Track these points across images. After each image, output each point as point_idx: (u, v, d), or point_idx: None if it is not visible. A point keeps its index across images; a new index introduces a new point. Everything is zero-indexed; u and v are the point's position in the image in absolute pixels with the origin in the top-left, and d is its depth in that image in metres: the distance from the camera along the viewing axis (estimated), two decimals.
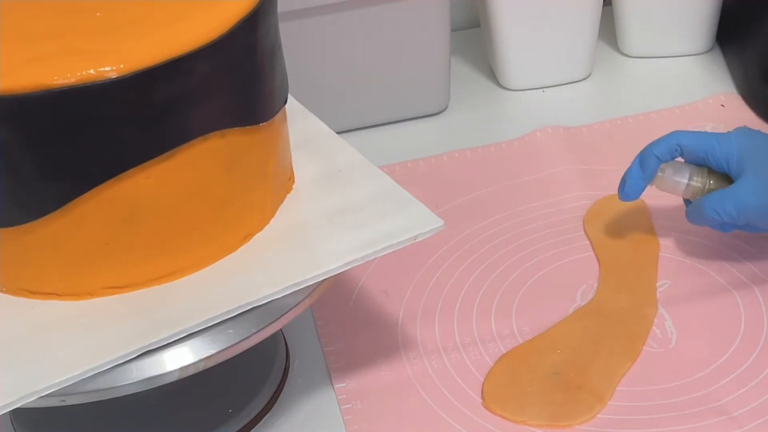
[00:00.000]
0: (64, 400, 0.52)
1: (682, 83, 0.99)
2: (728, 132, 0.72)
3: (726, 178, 0.71)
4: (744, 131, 0.72)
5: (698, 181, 0.72)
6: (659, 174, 0.72)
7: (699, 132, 0.72)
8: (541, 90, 1.01)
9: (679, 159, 0.73)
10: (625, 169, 0.73)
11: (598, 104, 0.99)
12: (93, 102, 0.50)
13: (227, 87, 0.55)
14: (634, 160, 0.73)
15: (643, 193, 0.82)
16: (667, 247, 0.77)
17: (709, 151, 0.71)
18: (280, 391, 0.69)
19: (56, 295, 0.56)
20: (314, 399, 0.68)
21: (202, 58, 0.53)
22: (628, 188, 0.73)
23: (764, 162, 0.69)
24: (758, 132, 0.72)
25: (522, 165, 0.89)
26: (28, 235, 0.54)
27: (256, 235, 0.61)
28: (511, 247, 0.79)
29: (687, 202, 0.74)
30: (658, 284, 0.74)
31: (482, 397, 0.66)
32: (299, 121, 0.69)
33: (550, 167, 0.88)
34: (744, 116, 0.92)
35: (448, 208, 0.84)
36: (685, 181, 0.72)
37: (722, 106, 0.94)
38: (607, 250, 0.78)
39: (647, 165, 0.72)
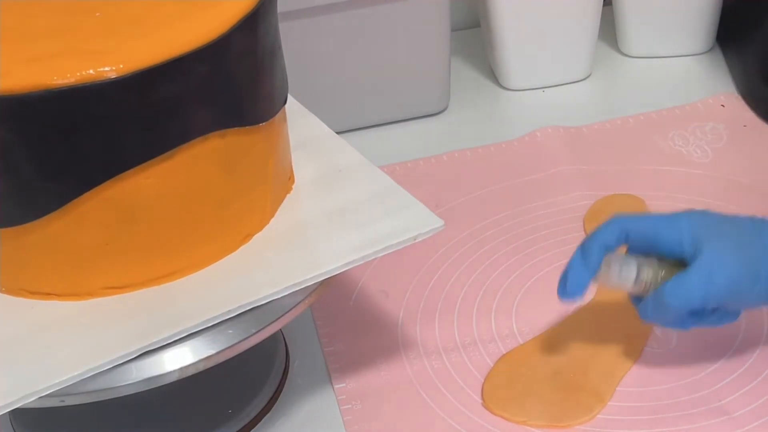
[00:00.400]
0: (63, 401, 0.52)
1: (682, 83, 0.99)
2: (676, 212, 0.63)
3: (680, 265, 0.61)
4: (695, 211, 0.63)
5: (649, 273, 0.62)
6: (604, 269, 0.62)
7: (644, 215, 0.62)
8: (541, 90, 1.00)
9: (622, 249, 0.64)
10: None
11: (598, 104, 0.98)
12: (93, 102, 0.50)
13: (227, 87, 0.55)
14: (575, 252, 0.63)
15: (643, 193, 0.83)
16: None
17: (658, 234, 0.61)
18: (280, 392, 0.68)
19: (56, 295, 0.56)
20: (314, 399, 0.68)
21: (201, 59, 0.53)
22: (571, 285, 0.62)
23: (723, 235, 0.61)
24: (708, 211, 0.64)
25: (522, 165, 0.89)
26: (28, 236, 0.54)
27: (256, 235, 0.61)
28: (512, 247, 0.79)
29: (636, 300, 0.64)
30: None
31: (482, 398, 0.66)
32: (299, 121, 0.69)
33: (551, 167, 0.88)
34: (744, 116, 0.92)
35: (448, 208, 0.84)
36: (634, 275, 0.62)
37: (722, 106, 0.94)
38: None
39: (591, 257, 0.62)
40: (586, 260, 0.62)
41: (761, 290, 0.60)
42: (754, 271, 0.60)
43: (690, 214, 0.62)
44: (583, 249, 0.63)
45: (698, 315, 0.61)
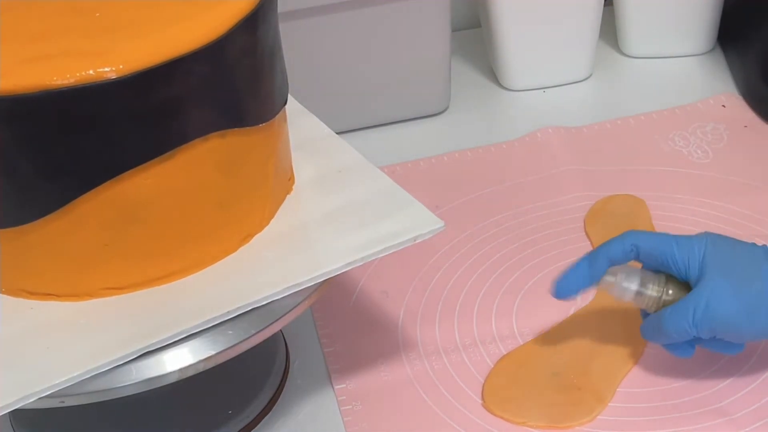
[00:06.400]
0: (63, 401, 0.52)
1: (683, 83, 0.99)
2: (691, 235, 0.62)
3: (688, 287, 0.61)
4: (709, 234, 0.62)
5: (653, 290, 0.62)
6: (608, 278, 0.63)
7: (657, 233, 0.63)
8: (541, 90, 1.00)
9: (635, 263, 0.64)
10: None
11: (599, 104, 0.98)
12: (92, 102, 0.50)
13: (227, 88, 0.55)
14: (582, 258, 0.63)
15: (644, 193, 0.83)
16: None
17: (667, 253, 0.61)
18: (280, 392, 0.68)
19: (55, 296, 0.56)
20: (314, 400, 0.68)
21: (201, 59, 0.52)
22: (567, 284, 0.63)
23: (731, 265, 0.60)
24: (724, 236, 0.62)
25: (523, 165, 0.89)
26: (27, 236, 0.54)
27: (256, 235, 0.60)
28: (512, 248, 0.79)
29: (644, 313, 0.65)
30: None
31: (482, 398, 0.66)
32: (299, 122, 0.69)
33: (551, 168, 0.88)
34: (745, 116, 0.92)
35: (449, 208, 0.84)
36: (635, 287, 0.62)
37: (723, 106, 0.94)
38: None
39: (595, 264, 0.63)
40: (591, 266, 0.63)
41: (760, 327, 0.60)
42: (754, 307, 0.59)
43: (702, 239, 0.61)
44: (591, 256, 0.63)
45: (698, 342, 0.61)
